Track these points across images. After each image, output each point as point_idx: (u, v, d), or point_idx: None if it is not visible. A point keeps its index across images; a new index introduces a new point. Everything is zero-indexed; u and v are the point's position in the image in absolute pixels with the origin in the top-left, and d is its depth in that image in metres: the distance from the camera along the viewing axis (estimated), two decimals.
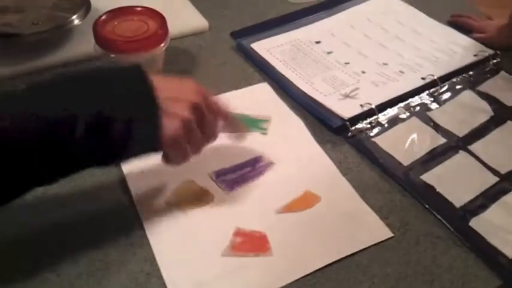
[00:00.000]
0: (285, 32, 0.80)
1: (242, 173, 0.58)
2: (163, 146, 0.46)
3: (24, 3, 0.76)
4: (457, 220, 0.53)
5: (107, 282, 0.47)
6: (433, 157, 0.60)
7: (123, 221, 0.52)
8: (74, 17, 0.74)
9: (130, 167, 0.57)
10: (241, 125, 0.58)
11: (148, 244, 0.50)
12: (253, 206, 0.54)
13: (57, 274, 0.47)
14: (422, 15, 0.85)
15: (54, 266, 0.48)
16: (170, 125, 0.45)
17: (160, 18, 0.69)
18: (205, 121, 0.49)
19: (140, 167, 0.57)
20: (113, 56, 0.65)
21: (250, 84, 0.71)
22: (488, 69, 0.74)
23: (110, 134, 0.42)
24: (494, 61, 0.75)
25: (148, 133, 0.44)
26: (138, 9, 0.70)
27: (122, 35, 0.66)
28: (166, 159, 0.49)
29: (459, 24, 0.83)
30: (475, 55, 0.75)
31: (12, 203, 0.42)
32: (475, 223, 0.53)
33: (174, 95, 0.47)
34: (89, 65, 0.57)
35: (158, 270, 0.48)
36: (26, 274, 0.47)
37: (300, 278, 0.48)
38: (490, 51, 0.75)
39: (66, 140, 0.41)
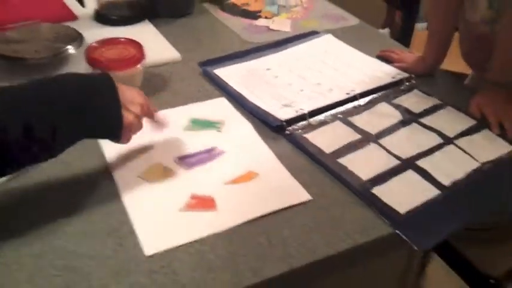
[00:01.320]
0: (242, 62, 0.99)
1: (199, 157, 0.74)
2: (121, 131, 0.63)
3: (29, 36, 0.94)
4: (362, 188, 0.69)
5: (91, 226, 0.61)
6: (349, 147, 0.76)
7: (104, 190, 0.67)
8: (69, 47, 0.92)
9: (111, 152, 0.73)
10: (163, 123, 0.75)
11: (123, 206, 0.65)
12: (206, 180, 0.70)
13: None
14: (356, 51, 1.04)
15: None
16: (128, 118, 0.63)
17: (138, 46, 0.87)
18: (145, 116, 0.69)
19: (119, 153, 0.73)
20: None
21: (211, 98, 0.88)
22: (403, 88, 0.92)
23: (86, 119, 0.59)
24: (408, 83, 0.93)
25: (114, 122, 0.62)
26: (122, 39, 0.89)
27: (107, 57, 0.84)
28: (117, 140, 0.66)
29: (385, 57, 1.03)
30: (393, 77, 0.94)
31: None
32: (376, 190, 0.68)
33: (130, 97, 0.65)
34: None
35: (130, 221, 0.63)
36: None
37: (239, 225, 0.63)
38: (406, 75, 0.94)
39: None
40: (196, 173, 0.71)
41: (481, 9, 0.90)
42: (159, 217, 0.64)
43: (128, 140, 0.67)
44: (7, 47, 0.90)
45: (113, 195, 0.67)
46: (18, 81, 0.85)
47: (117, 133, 0.64)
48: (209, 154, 0.75)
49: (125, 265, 0.58)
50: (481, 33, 0.92)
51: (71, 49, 0.92)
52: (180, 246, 0.60)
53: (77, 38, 0.94)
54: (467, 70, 1.08)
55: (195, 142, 0.77)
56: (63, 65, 0.92)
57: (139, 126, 0.67)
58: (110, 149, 0.73)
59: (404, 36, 1.43)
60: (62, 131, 0.58)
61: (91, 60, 0.83)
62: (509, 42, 0.85)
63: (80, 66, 0.89)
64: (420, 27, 1.79)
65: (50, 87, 0.59)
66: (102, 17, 1.10)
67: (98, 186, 0.69)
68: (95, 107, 0.60)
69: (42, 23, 0.99)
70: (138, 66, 0.85)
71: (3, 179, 0.67)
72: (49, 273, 0.57)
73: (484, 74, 0.90)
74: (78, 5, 1.10)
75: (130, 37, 0.90)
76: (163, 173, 0.71)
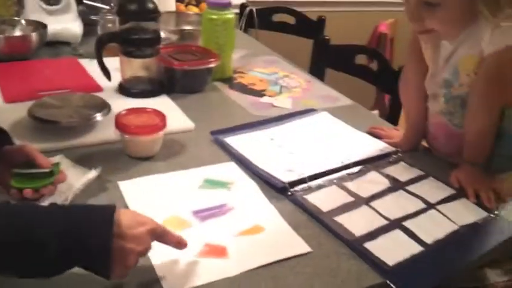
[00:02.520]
0: (249, 132, 1.11)
1: (212, 212, 0.84)
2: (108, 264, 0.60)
3: (63, 103, 1.06)
4: (355, 243, 0.78)
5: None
6: (344, 207, 0.87)
7: None
8: (98, 114, 1.05)
9: (133, 203, 0.82)
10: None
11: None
12: (218, 231, 0.79)
13: None
14: (349, 127, 1.18)
15: None
16: (121, 250, 0.60)
17: (162, 116, 1.00)
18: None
19: (141, 204, 0.82)
20: (127, 136, 0.95)
21: (221, 162, 1.00)
22: (390, 160, 1.05)
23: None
24: (395, 156, 1.06)
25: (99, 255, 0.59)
26: (148, 109, 1.02)
27: (134, 123, 0.96)
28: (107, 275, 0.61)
29: (374, 133, 1.16)
30: (381, 150, 1.06)
31: None
32: (368, 245, 0.78)
33: (135, 223, 0.63)
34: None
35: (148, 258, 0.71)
36: None
37: (246, 271, 0.71)
38: (393, 149, 1.07)
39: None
40: (210, 225, 0.81)
41: (440, 104, 1.03)
42: (177, 262, 0.72)
43: (121, 275, 0.63)
44: (43, 111, 1.02)
45: None
46: (51, 143, 0.97)
47: (104, 265, 0.60)
48: (220, 209, 0.85)
49: None
50: (441, 122, 1.04)
51: (99, 116, 1.04)
52: (196, 287, 0.69)
53: (104, 107, 1.07)
54: None
55: (208, 199, 0.87)
56: (92, 130, 1.05)
57: (134, 260, 0.63)
58: (133, 202, 0.83)
59: (392, 116, 1.58)
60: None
61: (120, 125, 0.95)
62: (473, 136, 0.96)
63: (106, 131, 1.02)
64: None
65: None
66: (125, 90, 1.24)
67: None
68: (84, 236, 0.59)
69: (74, 92, 1.12)
70: (160, 133, 0.97)
71: None
72: None
73: (436, 150, 1.02)
74: (103, 78, 1.24)
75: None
76: (180, 224, 0.80)
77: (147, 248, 0.65)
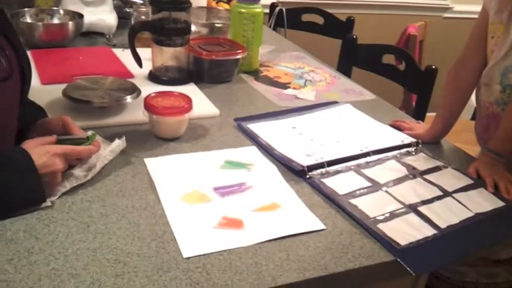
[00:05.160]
0: (271, 120, 1.14)
1: (231, 189, 0.87)
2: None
3: (96, 85, 1.12)
4: (369, 223, 0.80)
5: (138, 231, 0.74)
6: (360, 191, 0.89)
7: (151, 206, 0.80)
8: (128, 96, 1.10)
9: (159, 179, 0.87)
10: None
11: (167, 220, 0.77)
12: (236, 206, 0.82)
13: None
14: (371, 119, 1.19)
15: None
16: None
17: (188, 99, 1.04)
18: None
19: (165, 180, 0.87)
20: (154, 117, 0.99)
21: (243, 146, 1.03)
22: (411, 151, 1.06)
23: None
24: (416, 147, 1.07)
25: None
26: (175, 93, 1.06)
27: (162, 105, 1.00)
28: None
29: (396, 126, 1.17)
30: (402, 141, 1.07)
31: None
32: (381, 226, 0.79)
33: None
34: None
35: (172, 231, 0.75)
36: None
37: (260, 243, 0.74)
38: (414, 140, 1.08)
39: None
40: (228, 200, 0.84)
41: (495, 92, 1.05)
42: (195, 230, 0.76)
43: (53, 188, 0.79)
44: (77, 91, 1.08)
45: (158, 210, 0.80)
46: (83, 122, 1.02)
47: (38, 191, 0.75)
48: (240, 187, 0.88)
49: (166, 263, 0.69)
50: (493, 112, 1.06)
51: (129, 98, 1.09)
52: (212, 253, 0.72)
53: (135, 90, 1.12)
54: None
55: (228, 177, 0.90)
56: (122, 111, 1.10)
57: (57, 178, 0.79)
58: (157, 177, 0.88)
59: (417, 116, 1.58)
60: None
61: (148, 106, 1.00)
62: (511, 119, 0.98)
63: (135, 113, 1.07)
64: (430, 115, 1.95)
65: None
66: (155, 77, 1.30)
67: (145, 202, 0.82)
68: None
69: (107, 76, 1.18)
70: (186, 115, 1.01)
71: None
72: (102, 264, 0.68)
73: (487, 142, 1.03)
74: (135, 66, 1.30)
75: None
76: (200, 198, 0.84)
77: (58, 168, 0.78)
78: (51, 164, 0.77)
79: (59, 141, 0.83)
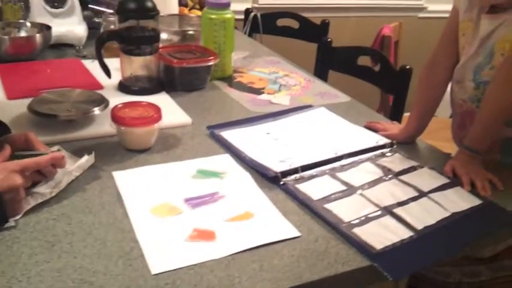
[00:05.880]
0: (245, 127, 1.12)
1: (203, 200, 0.84)
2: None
3: (62, 98, 1.09)
4: (344, 228, 0.78)
5: (105, 248, 0.71)
6: (334, 196, 0.87)
7: (118, 221, 0.77)
8: (96, 108, 1.07)
9: (126, 190, 0.84)
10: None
11: (135, 235, 0.75)
12: (208, 217, 0.80)
13: None
14: (345, 121, 1.18)
15: None
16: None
17: (157, 109, 1.01)
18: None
19: (133, 191, 0.84)
20: (122, 128, 0.96)
21: (216, 154, 1.01)
22: (386, 152, 1.04)
23: None
24: (391, 148, 1.05)
25: None
26: (143, 103, 1.03)
27: (129, 116, 0.97)
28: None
29: (371, 128, 1.16)
30: (376, 142, 1.06)
31: None
32: (356, 230, 0.78)
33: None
34: None
35: (139, 247, 0.72)
36: None
37: (233, 254, 0.72)
38: (388, 141, 1.07)
39: None
40: (200, 212, 0.81)
41: (468, 90, 1.04)
42: (165, 244, 0.73)
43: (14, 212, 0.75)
44: (43, 106, 1.05)
45: (126, 225, 0.77)
46: (50, 136, 0.99)
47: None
48: (212, 197, 0.85)
49: (133, 281, 0.66)
50: (468, 110, 1.05)
51: (97, 110, 1.06)
52: (182, 268, 0.69)
53: (103, 101, 1.09)
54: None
55: (200, 187, 0.88)
56: (90, 124, 1.07)
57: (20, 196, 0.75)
58: (125, 190, 0.85)
59: (395, 117, 1.57)
60: None
61: (115, 117, 0.97)
62: (487, 115, 0.98)
63: (104, 125, 1.04)
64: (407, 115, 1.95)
65: None
66: (125, 88, 1.26)
67: (113, 217, 0.79)
68: None
69: (74, 89, 1.14)
70: (155, 125, 0.99)
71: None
72: (67, 284, 0.65)
73: (462, 140, 1.03)
74: (105, 77, 1.27)
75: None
76: (170, 210, 0.81)
77: (17, 183, 0.75)
78: (9, 180, 0.73)
79: (19, 157, 0.79)
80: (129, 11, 1.19)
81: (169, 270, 0.68)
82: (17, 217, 0.76)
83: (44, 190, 0.82)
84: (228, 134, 1.07)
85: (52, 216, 0.78)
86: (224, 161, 0.98)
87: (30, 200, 0.79)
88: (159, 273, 0.68)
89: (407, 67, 1.56)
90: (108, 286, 0.65)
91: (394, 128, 1.14)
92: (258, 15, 2.21)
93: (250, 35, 2.19)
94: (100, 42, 1.21)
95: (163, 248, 0.72)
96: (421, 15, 3.02)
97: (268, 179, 0.91)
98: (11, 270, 0.67)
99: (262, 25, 2.19)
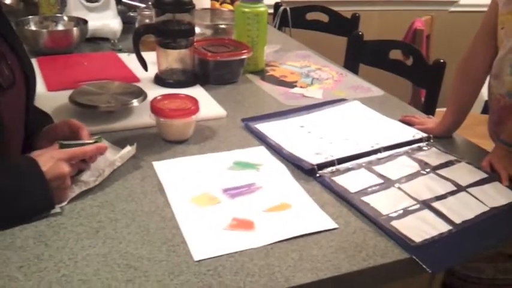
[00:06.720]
0: (279, 120, 1.13)
1: (240, 190, 0.86)
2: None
3: (102, 90, 1.11)
4: (383, 221, 0.78)
5: (148, 235, 0.73)
6: (372, 189, 0.87)
7: (160, 209, 0.80)
8: (135, 100, 1.09)
9: (168, 181, 0.86)
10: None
11: (177, 223, 0.77)
12: (246, 207, 0.81)
13: None
14: (380, 115, 1.18)
15: None
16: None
17: (194, 101, 1.03)
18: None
19: (174, 182, 0.86)
20: (162, 120, 0.98)
21: (251, 147, 1.02)
22: (423, 146, 1.04)
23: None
24: (427, 142, 1.05)
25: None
26: (181, 95, 1.05)
27: (168, 107, 0.99)
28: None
29: (406, 121, 1.15)
30: (413, 136, 1.05)
31: None
32: (394, 223, 0.78)
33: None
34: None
35: (182, 234, 0.74)
36: None
37: (272, 244, 0.73)
38: (425, 135, 1.06)
39: None
40: (238, 202, 0.83)
41: (506, 84, 1.03)
42: (206, 232, 0.75)
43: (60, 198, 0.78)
44: (83, 97, 1.08)
45: (168, 213, 0.79)
46: (90, 127, 1.02)
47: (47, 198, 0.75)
48: (249, 188, 0.87)
49: (177, 267, 0.68)
50: (506, 104, 1.04)
51: (136, 102, 1.09)
52: (223, 255, 0.71)
53: (141, 94, 1.12)
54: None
55: (237, 178, 0.89)
56: (128, 115, 1.09)
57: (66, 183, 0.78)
58: (166, 180, 0.87)
59: (427, 111, 1.56)
60: None
61: (155, 109, 0.99)
62: None
63: (142, 116, 1.06)
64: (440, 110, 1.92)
65: None
66: (160, 81, 1.29)
67: (155, 205, 0.81)
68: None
69: (113, 81, 1.17)
70: (193, 117, 1.01)
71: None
72: (113, 269, 0.68)
73: (500, 135, 1.01)
74: (141, 70, 1.29)
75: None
76: (210, 200, 0.83)
77: (65, 172, 0.77)
78: (57, 168, 0.76)
79: (64, 146, 0.82)
80: (166, 4, 1.21)
81: (211, 257, 0.70)
82: (63, 204, 0.79)
83: (88, 178, 0.84)
84: (263, 127, 1.09)
85: (96, 203, 0.81)
86: (259, 153, 0.99)
87: (75, 188, 0.82)
88: (201, 260, 0.69)
89: (441, 61, 1.54)
90: (152, 271, 0.67)
91: (431, 122, 1.13)
92: (288, 9, 2.21)
93: (279, 29, 2.19)
94: (137, 35, 1.23)
95: (204, 235, 0.74)
96: (452, 9, 2.96)
97: (304, 171, 0.92)
98: (58, 254, 0.70)
99: (291, 19, 2.19)
